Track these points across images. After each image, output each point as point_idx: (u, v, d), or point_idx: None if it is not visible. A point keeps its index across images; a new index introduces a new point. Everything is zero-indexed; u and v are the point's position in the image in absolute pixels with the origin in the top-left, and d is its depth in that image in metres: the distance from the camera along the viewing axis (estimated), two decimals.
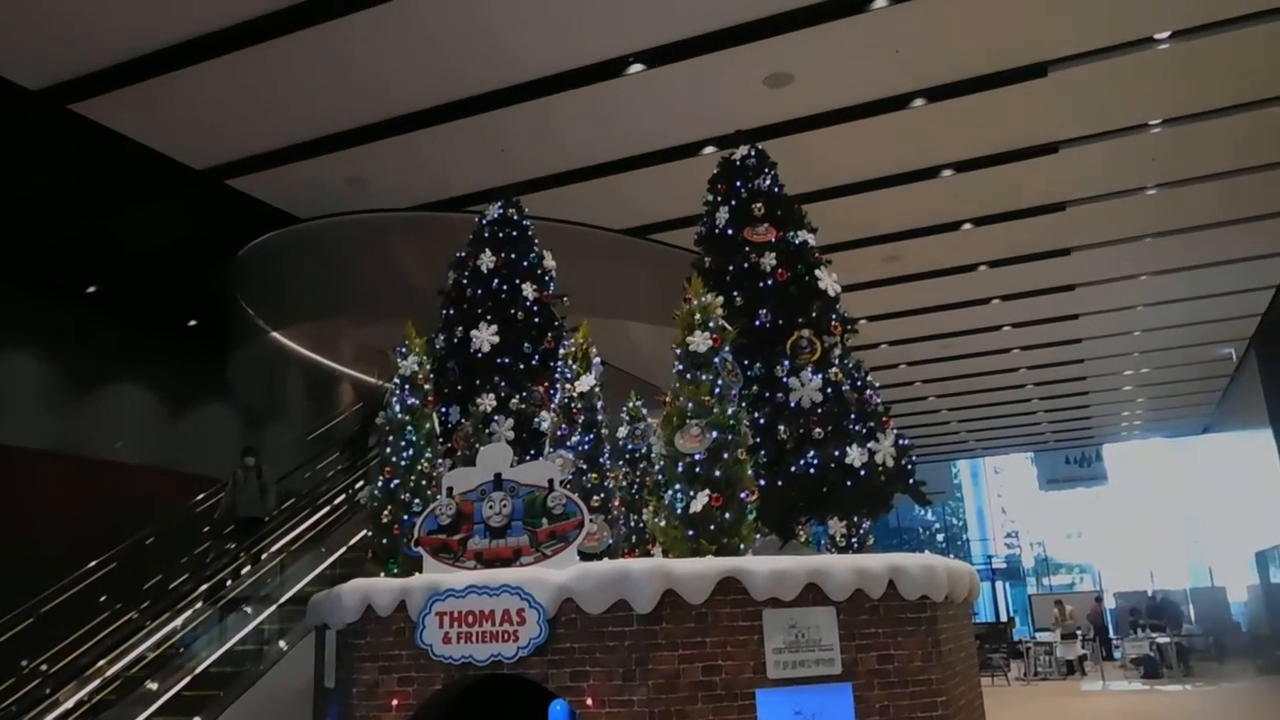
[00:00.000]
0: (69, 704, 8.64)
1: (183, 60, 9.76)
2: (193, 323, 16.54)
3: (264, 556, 11.03)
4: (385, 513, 7.23)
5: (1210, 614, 29.18)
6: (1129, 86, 11.34)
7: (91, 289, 15.20)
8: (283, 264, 13.59)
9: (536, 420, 8.10)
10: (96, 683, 8.96)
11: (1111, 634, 28.71)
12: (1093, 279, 18.04)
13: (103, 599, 11.34)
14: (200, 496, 13.33)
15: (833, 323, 7.65)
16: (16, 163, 11.89)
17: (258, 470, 12.00)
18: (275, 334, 14.41)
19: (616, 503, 7.18)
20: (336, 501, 12.40)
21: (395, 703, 6.11)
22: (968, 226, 15.20)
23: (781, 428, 7.25)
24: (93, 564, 11.60)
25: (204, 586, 10.49)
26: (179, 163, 11.85)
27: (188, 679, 8.90)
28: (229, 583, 10.51)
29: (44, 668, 9.73)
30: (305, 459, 14.93)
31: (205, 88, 10.33)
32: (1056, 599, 26.71)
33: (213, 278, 14.32)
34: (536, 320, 8.67)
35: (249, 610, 9.93)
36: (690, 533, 6.23)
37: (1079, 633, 24.30)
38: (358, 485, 12.33)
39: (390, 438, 7.39)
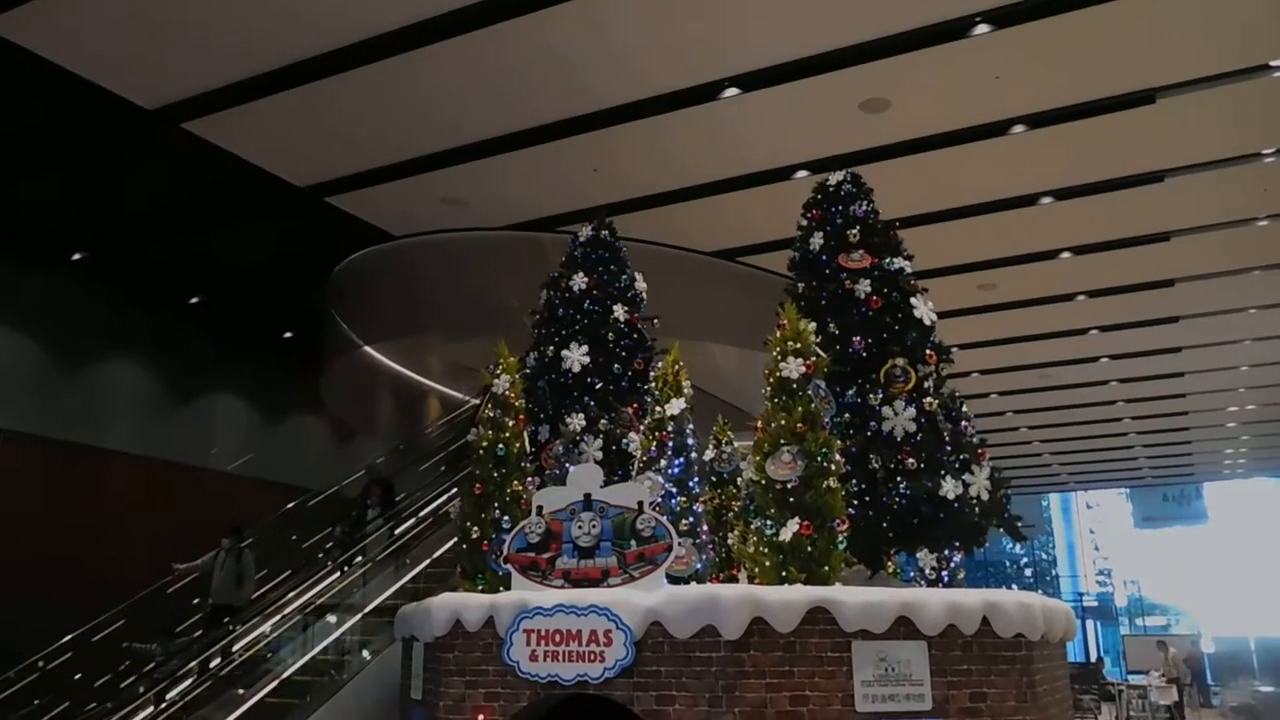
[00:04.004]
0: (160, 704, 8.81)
1: (292, 81, 10.10)
2: (288, 335, 16.98)
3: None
4: (474, 529, 7.27)
5: None
6: (1241, 115, 10.99)
7: (193, 300, 15.73)
8: (377, 280, 13.86)
9: (625, 441, 8.09)
10: (188, 683, 9.12)
11: (1209, 680, 27.56)
12: (1197, 311, 17.45)
13: (195, 601, 11.66)
14: (290, 505, 13.63)
15: (928, 352, 7.49)
16: (130, 178, 12.38)
17: (237, 554, 10.75)
18: (367, 348, 14.68)
19: (705, 527, 7.12)
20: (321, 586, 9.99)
21: (481, 718, 6.13)
22: (1066, 255, 14.84)
23: (874, 457, 7.11)
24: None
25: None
26: (282, 179, 12.22)
27: (274, 683, 9.02)
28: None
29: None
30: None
31: (312, 107, 10.64)
32: (1160, 640, 25.67)
33: (309, 291, 14.71)
34: (626, 341, 8.68)
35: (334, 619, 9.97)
36: (779, 560, 6.15)
37: (1177, 678, 23.29)
38: (356, 558, 10.48)
39: (481, 454, 7.44)
